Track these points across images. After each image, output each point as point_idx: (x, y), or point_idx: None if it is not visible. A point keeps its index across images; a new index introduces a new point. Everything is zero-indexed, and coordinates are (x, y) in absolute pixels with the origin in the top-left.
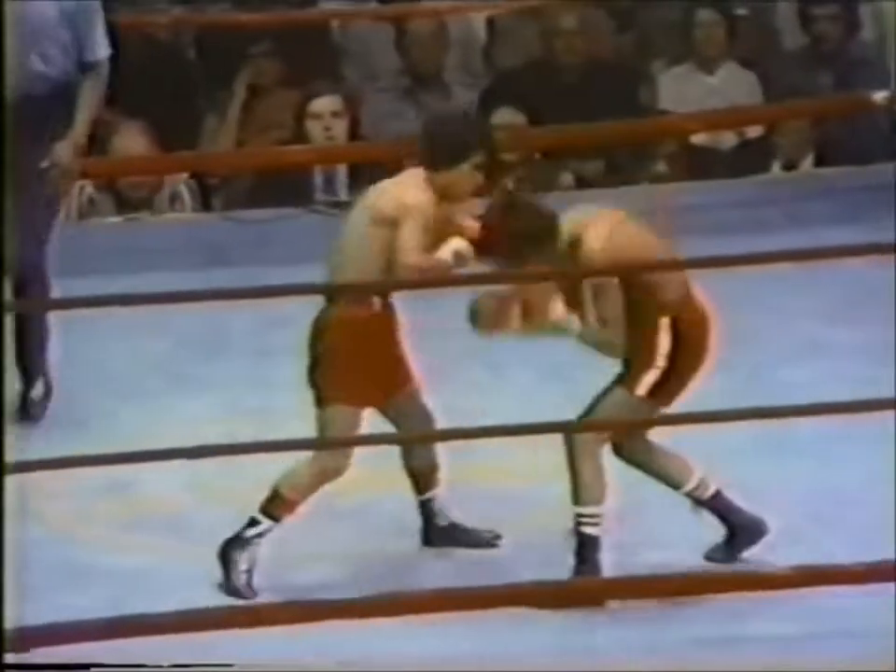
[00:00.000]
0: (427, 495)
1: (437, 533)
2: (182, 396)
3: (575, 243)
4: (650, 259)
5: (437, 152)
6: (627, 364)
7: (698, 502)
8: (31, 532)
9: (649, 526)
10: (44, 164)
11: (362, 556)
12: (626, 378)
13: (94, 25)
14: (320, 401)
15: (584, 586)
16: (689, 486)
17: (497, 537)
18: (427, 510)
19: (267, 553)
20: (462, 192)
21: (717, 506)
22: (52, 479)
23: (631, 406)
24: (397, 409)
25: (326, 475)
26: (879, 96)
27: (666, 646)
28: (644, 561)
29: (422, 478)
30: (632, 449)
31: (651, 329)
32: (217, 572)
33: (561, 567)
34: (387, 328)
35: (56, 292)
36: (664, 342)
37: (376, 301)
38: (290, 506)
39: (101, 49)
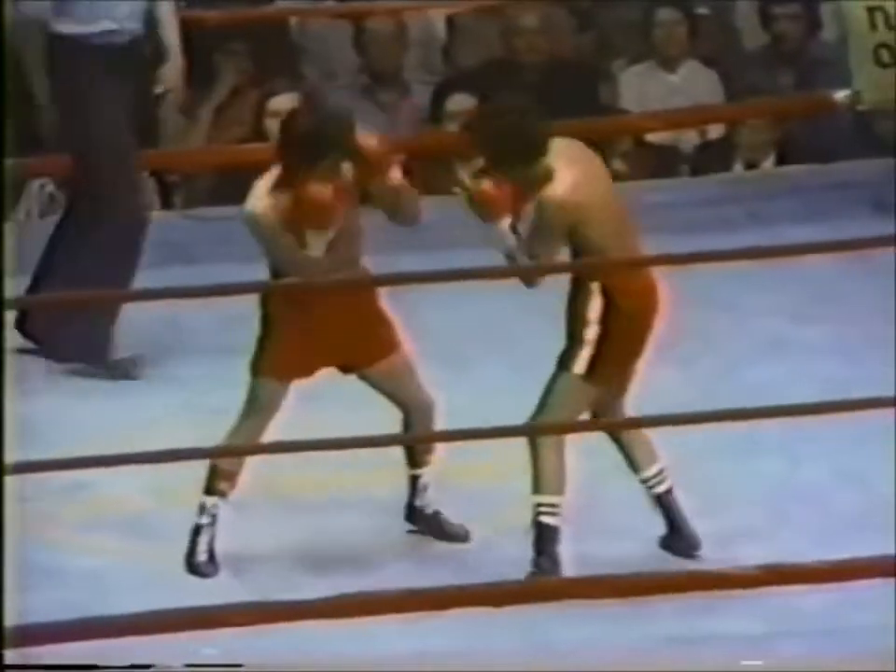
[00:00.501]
0: (416, 471)
1: (416, 513)
2: (143, 394)
3: (544, 179)
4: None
5: (295, 149)
6: (567, 344)
7: (649, 492)
8: None
9: (609, 518)
10: (157, 90)
11: (325, 553)
12: (566, 358)
13: None
14: (251, 369)
15: (543, 585)
16: (646, 474)
17: (467, 533)
18: (414, 486)
19: (230, 549)
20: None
21: (664, 503)
22: (13, 480)
23: (576, 386)
24: (383, 379)
25: (252, 442)
26: (840, 95)
27: (632, 643)
28: (603, 553)
29: (417, 452)
30: (607, 415)
31: (583, 294)
32: (179, 573)
33: (524, 564)
34: (345, 295)
35: (15, 289)
36: (593, 307)
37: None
38: (229, 476)
39: None
